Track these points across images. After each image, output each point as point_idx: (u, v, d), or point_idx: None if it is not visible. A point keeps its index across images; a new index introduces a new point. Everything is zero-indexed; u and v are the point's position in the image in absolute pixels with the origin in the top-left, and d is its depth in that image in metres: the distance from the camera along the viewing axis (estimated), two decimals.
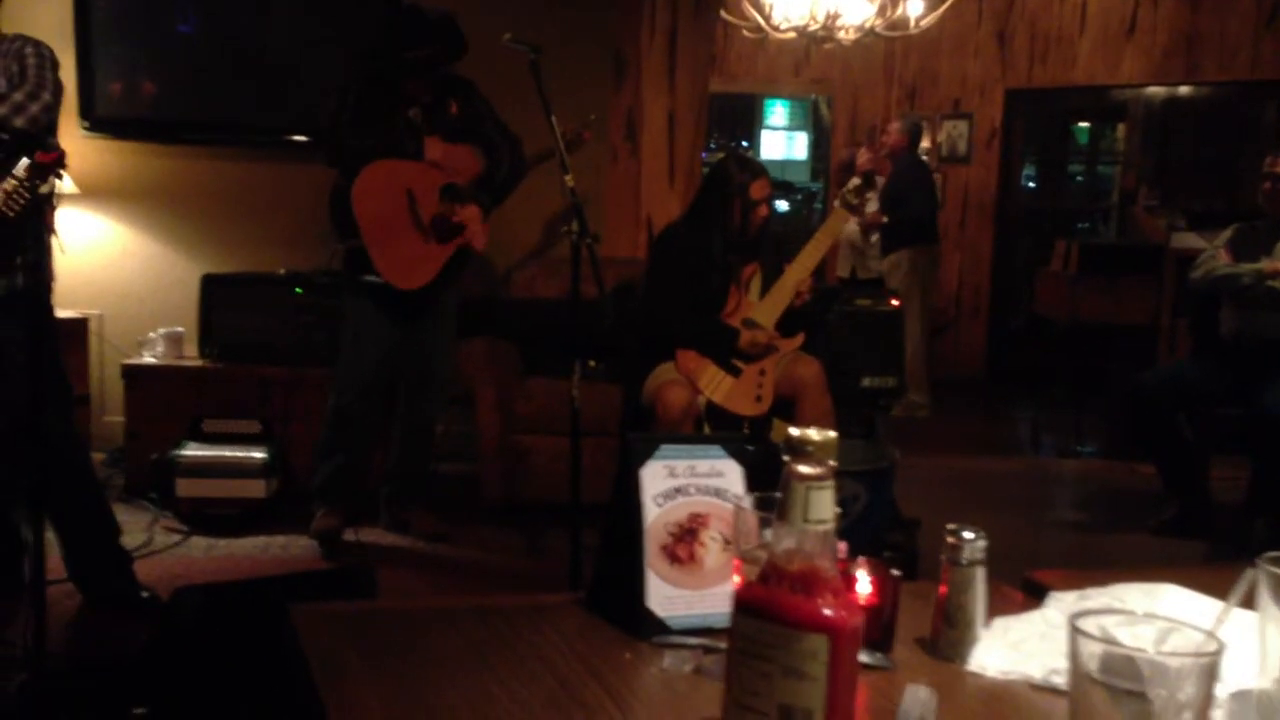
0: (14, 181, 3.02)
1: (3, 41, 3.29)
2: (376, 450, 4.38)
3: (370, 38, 4.28)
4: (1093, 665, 0.92)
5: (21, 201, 3.03)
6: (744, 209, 3.99)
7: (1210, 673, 0.91)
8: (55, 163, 3.04)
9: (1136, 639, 0.95)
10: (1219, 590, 1.13)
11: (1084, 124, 9.35)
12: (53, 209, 3.36)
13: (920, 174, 7.22)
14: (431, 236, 4.02)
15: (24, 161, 3.04)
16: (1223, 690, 1.13)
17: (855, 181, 4.16)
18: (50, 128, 3.27)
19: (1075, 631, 0.94)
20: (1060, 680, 1.20)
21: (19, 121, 3.13)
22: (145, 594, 3.48)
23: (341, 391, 4.18)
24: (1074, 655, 0.94)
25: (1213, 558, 4.32)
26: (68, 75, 3.42)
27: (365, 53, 4.30)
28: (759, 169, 4.12)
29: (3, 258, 3.19)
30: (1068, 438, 6.43)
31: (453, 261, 4.08)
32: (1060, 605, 1.39)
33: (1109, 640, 0.93)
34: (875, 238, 7.19)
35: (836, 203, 4.19)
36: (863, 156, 7.39)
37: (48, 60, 3.27)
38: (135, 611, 3.41)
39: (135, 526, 4.17)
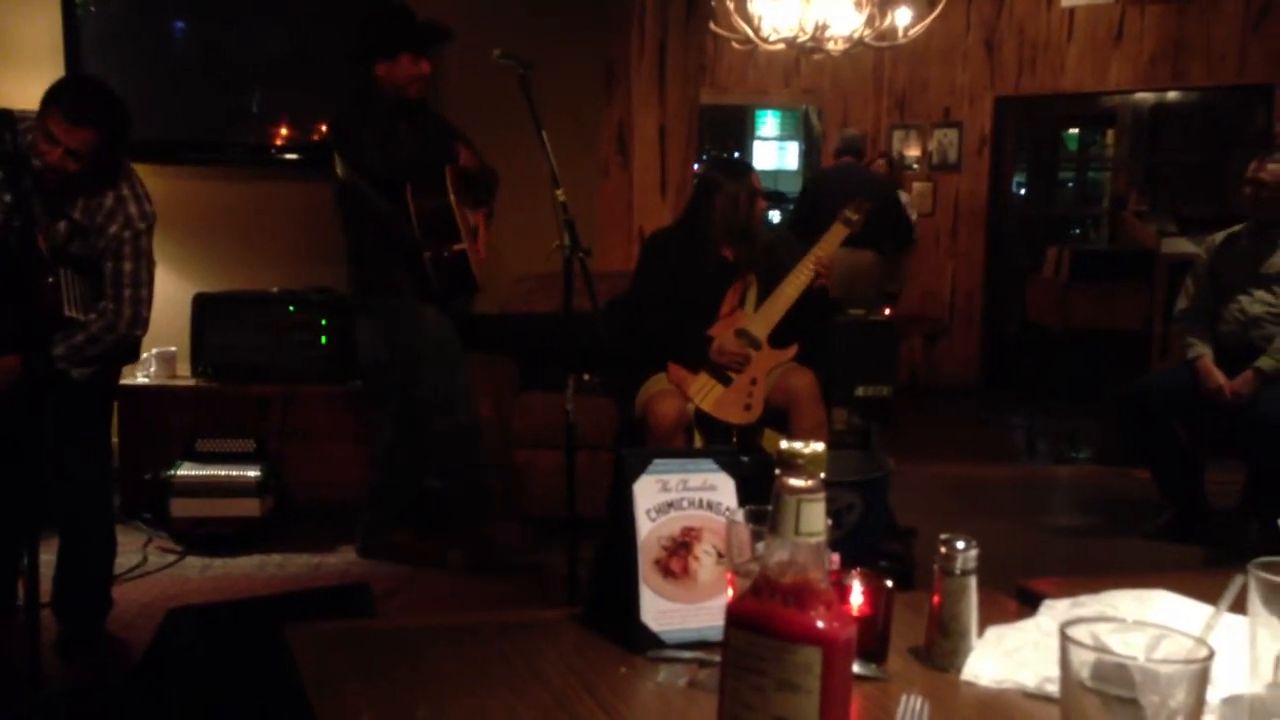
0: None
1: (98, 196, 3.24)
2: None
3: (355, 42, 4.12)
4: (1084, 673, 0.93)
5: None
6: (749, 202, 4.01)
7: (1201, 679, 0.91)
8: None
9: (1128, 646, 0.95)
10: (1213, 596, 1.13)
11: (1074, 130, 9.38)
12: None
13: (847, 177, 6.95)
14: (474, 244, 4.11)
15: None
16: (1214, 695, 1.13)
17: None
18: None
19: (1066, 639, 0.94)
20: (1053, 688, 1.20)
21: (110, 339, 3.14)
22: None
23: (460, 406, 4.11)
24: (1065, 663, 0.95)
25: (1210, 563, 4.32)
26: None
27: (355, 57, 4.12)
28: (745, 167, 4.20)
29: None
30: (1062, 444, 6.43)
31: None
32: (1053, 613, 1.39)
33: (1100, 648, 0.94)
34: None
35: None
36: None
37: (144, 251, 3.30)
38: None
39: (130, 547, 4.16)
